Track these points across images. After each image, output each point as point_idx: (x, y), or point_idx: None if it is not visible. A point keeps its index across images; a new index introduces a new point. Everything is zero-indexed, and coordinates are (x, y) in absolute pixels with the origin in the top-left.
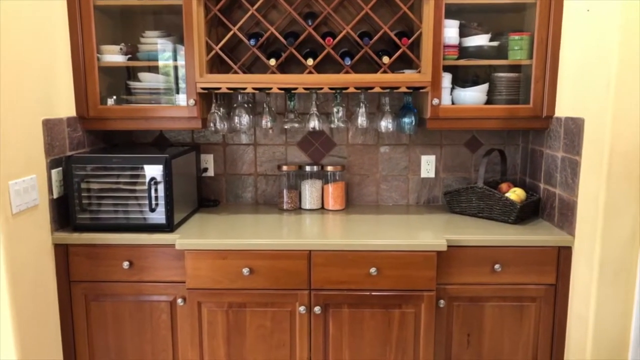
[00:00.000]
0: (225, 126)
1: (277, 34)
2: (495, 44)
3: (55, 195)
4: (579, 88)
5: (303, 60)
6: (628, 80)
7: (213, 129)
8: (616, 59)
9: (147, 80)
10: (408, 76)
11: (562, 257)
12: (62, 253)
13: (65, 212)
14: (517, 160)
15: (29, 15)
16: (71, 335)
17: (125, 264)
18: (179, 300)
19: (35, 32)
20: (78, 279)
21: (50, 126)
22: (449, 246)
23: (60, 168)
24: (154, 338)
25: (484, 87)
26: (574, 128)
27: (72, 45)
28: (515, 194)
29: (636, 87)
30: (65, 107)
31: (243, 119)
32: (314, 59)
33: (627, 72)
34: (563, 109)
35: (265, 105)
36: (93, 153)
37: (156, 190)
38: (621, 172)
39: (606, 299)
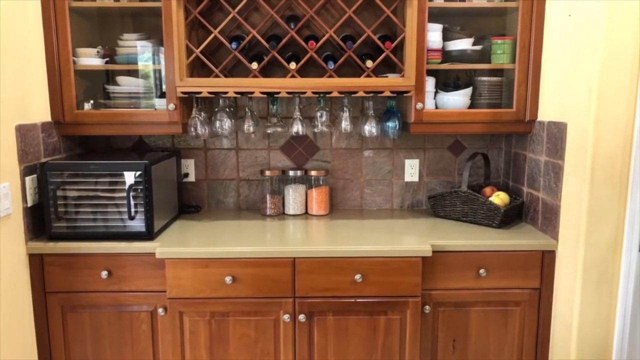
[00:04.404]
0: (207, 131)
1: (259, 37)
2: (478, 48)
3: (29, 204)
4: (562, 92)
5: (286, 64)
6: (610, 85)
7: (194, 133)
8: (598, 63)
9: (126, 84)
10: (392, 80)
11: (545, 261)
12: (37, 263)
13: (40, 220)
14: (501, 164)
15: (1, 17)
16: (47, 348)
17: (104, 274)
18: (160, 310)
19: (8, 34)
20: (54, 289)
21: (23, 132)
22: (434, 251)
23: (35, 175)
24: (134, 349)
25: (468, 91)
26: (557, 132)
27: (47, 48)
28: (499, 198)
29: (618, 91)
30: (40, 111)
31: (225, 124)
32: (297, 63)
33: (609, 76)
34: (546, 113)
35: (247, 110)
36: (69, 159)
37: (135, 197)
38: (604, 177)
39: (590, 303)
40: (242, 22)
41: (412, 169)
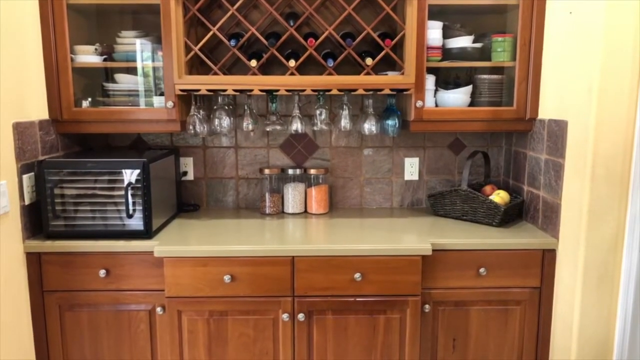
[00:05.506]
0: (205, 129)
1: (258, 34)
2: (478, 45)
3: (26, 202)
4: (562, 90)
5: (285, 62)
6: (610, 83)
7: (192, 131)
8: (598, 61)
9: (124, 81)
10: (391, 78)
11: (546, 260)
12: (35, 262)
13: (38, 219)
14: (501, 162)
15: None
16: (45, 347)
17: (102, 272)
18: (158, 309)
19: (5, 32)
20: (52, 288)
21: (21, 129)
22: (433, 250)
23: (32, 173)
24: (132, 348)
25: (468, 89)
26: (558, 130)
27: (45, 45)
28: (499, 197)
29: (619, 89)
30: (38, 109)
31: (223, 122)
32: (296, 60)
33: (610, 74)
34: (546, 111)
35: (246, 107)
36: (67, 157)
37: (134, 195)
38: (604, 175)
39: (590, 302)
40: (241, 20)
41: (412, 168)
